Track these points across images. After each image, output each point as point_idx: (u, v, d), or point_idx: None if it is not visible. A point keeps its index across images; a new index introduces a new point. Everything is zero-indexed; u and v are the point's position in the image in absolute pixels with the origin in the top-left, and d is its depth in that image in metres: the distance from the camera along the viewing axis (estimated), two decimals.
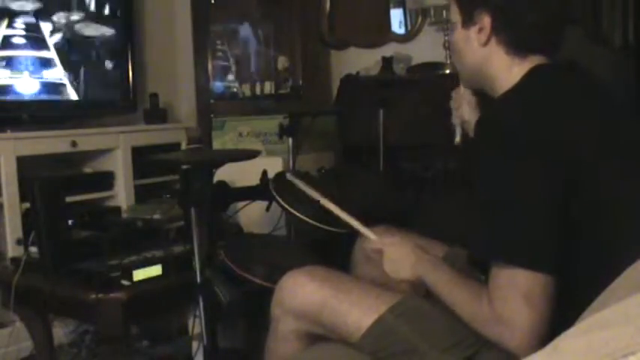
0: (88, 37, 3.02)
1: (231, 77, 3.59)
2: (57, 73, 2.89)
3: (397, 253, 1.42)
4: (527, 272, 1.08)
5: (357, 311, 1.30)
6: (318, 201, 1.70)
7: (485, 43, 1.26)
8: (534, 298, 1.08)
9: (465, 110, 1.57)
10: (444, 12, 2.89)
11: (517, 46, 1.24)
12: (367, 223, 1.64)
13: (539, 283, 1.08)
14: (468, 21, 1.29)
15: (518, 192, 1.11)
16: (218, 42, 3.59)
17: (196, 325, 1.77)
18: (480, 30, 1.26)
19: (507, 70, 1.26)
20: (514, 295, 1.09)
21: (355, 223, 1.63)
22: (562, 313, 1.06)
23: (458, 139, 1.61)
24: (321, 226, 1.72)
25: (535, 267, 1.08)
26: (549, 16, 1.25)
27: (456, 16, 1.32)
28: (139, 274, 1.76)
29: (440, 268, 1.32)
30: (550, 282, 1.09)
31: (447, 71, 2.85)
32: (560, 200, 1.10)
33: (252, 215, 2.20)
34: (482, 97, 1.41)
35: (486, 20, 1.25)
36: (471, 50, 1.30)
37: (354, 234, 1.68)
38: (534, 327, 1.09)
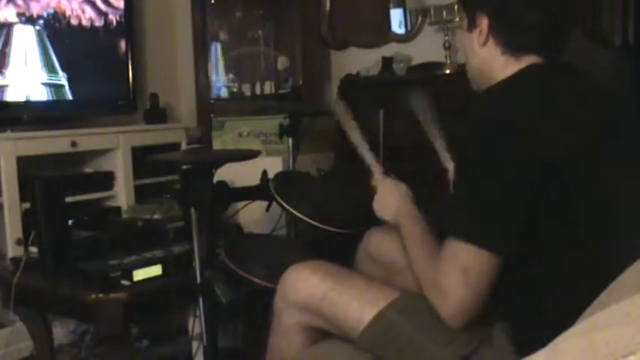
0: (88, 37, 3.02)
1: (231, 77, 3.59)
2: (57, 74, 2.89)
3: (388, 195, 1.47)
4: (468, 246, 1.13)
5: (357, 305, 1.32)
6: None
7: (484, 44, 1.31)
8: (471, 274, 1.13)
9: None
10: (444, 12, 2.89)
11: (512, 47, 1.28)
12: (367, 224, 1.65)
13: (478, 259, 1.13)
14: (471, 24, 1.33)
15: (485, 180, 1.15)
16: (218, 42, 3.59)
17: (196, 325, 1.77)
18: (480, 32, 1.31)
19: (502, 71, 1.29)
20: (453, 267, 1.14)
21: (368, 156, 1.61)
22: (563, 313, 1.06)
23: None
24: (321, 226, 1.71)
25: (476, 242, 1.12)
26: (545, 18, 1.27)
27: (464, 20, 1.37)
28: (139, 274, 1.77)
29: (417, 224, 1.36)
30: (492, 262, 1.13)
31: (447, 71, 2.85)
32: (529, 192, 1.12)
33: (252, 215, 2.20)
34: None
35: (484, 22, 1.29)
36: (473, 52, 1.34)
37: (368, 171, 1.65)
38: (466, 302, 1.14)
